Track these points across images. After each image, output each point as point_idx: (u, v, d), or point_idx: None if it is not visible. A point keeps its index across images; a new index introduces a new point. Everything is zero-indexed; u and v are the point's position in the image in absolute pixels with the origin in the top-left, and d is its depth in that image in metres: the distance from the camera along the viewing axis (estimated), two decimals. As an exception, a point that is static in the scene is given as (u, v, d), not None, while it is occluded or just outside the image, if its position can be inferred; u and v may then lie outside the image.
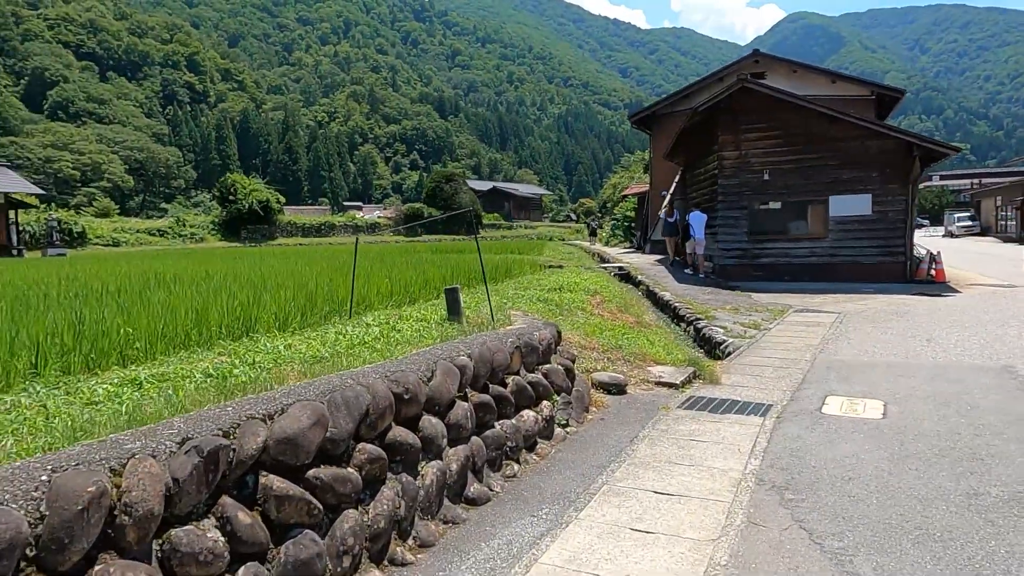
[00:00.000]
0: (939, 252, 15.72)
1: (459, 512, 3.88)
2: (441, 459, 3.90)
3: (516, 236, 64.74)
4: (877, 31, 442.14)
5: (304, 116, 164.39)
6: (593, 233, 45.55)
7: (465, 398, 4.35)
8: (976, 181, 66.76)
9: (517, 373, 5.05)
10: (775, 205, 16.26)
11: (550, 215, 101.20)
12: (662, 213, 22.99)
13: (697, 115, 16.55)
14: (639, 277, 16.26)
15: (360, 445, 3.38)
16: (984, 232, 46.78)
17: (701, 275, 17.61)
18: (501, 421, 4.63)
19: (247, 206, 49.85)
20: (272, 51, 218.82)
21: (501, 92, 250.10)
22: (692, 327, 10.98)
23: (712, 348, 9.71)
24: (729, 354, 8.91)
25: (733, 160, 16.39)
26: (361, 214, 69.94)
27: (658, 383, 6.78)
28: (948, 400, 5.89)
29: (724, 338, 9.55)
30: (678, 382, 6.71)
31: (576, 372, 6.16)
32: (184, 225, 50.21)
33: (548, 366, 5.52)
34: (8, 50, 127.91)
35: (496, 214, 73.74)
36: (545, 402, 5.17)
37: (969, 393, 6.11)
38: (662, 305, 13.32)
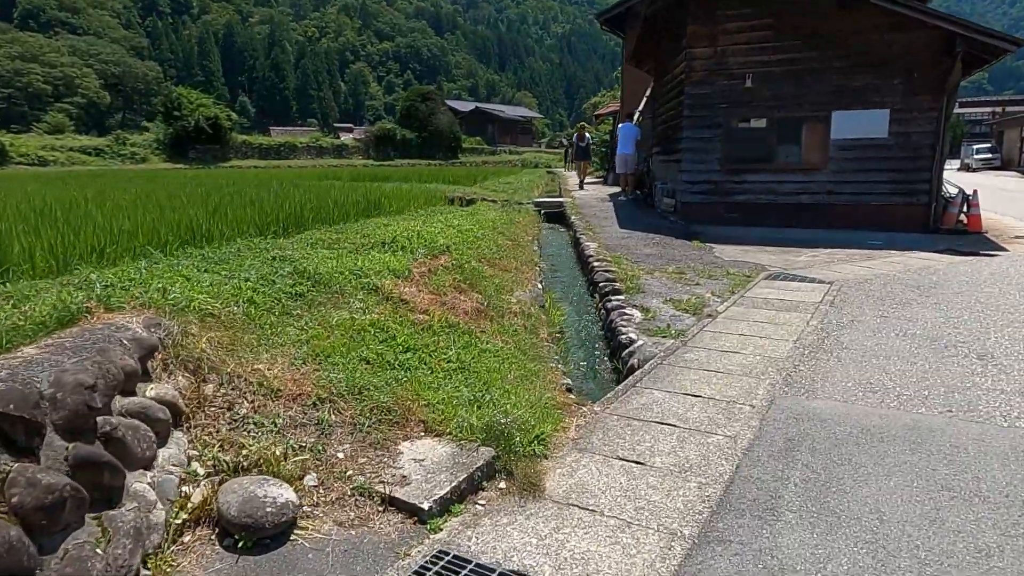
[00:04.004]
0: (975, 192, 11.66)
1: None
2: None
3: (498, 162, 60.03)
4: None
5: (293, 31, 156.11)
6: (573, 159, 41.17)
7: None
8: (998, 110, 61.32)
9: None
10: (759, 123, 12.07)
11: (546, 140, 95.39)
12: (575, 137, 22.20)
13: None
14: (572, 218, 12.26)
15: None
16: (1005, 166, 42.18)
17: (629, 197, 16.01)
18: None
19: (192, 123, 44.90)
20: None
21: (502, 9, 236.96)
22: (604, 306, 7.13)
23: (614, 352, 5.89)
24: (632, 370, 5.11)
25: (705, 60, 12.10)
26: (352, 136, 65.39)
27: (389, 501, 2.95)
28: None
29: (634, 336, 5.69)
30: (426, 506, 2.86)
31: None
32: (124, 144, 45.44)
33: None
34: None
35: (478, 138, 68.48)
36: None
37: None
38: (583, 262, 9.43)
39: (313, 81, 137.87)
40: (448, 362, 4.26)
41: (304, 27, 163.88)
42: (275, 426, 3.26)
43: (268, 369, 3.59)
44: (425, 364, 4.13)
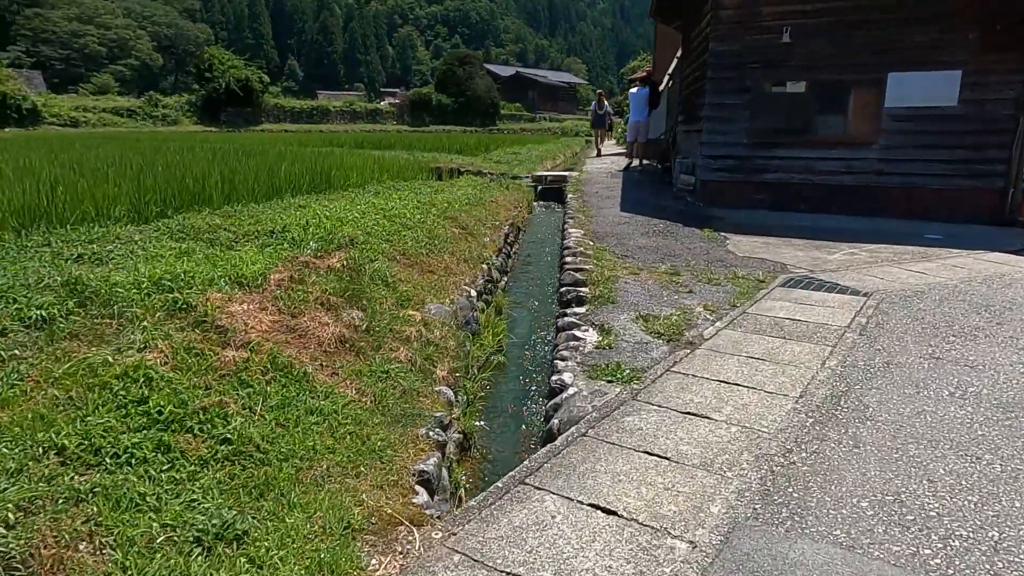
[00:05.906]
0: (1064, 174, 9.48)
1: None
2: None
3: (537, 129, 57.89)
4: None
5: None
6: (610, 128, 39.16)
7: None
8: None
9: None
10: (796, 87, 10.06)
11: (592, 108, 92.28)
12: (594, 104, 22.41)
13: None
14: (569, 196, 10.53)
15: None
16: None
17: (637, 166, 15.72)
18: None
19: (223, 85, 43.94)
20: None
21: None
22: (557, 322, 5.49)
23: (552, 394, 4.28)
24: (551, 436, 3.55)
25: (734, 10, 10.10)
26: (388, 101, 64.39)
27: None
28: None
29: (568, 378, 4.06)
30: None
31: None
32: (157, 106, 44.84)
33: None
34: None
35: (518, 104, 66.15)
36: None
37: None
38: (561, 255, 7.76)
39: (361, 45, 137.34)
40: (220, 443, 2.73)
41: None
42: None
43: None
44: (167, 451, 2.59)
